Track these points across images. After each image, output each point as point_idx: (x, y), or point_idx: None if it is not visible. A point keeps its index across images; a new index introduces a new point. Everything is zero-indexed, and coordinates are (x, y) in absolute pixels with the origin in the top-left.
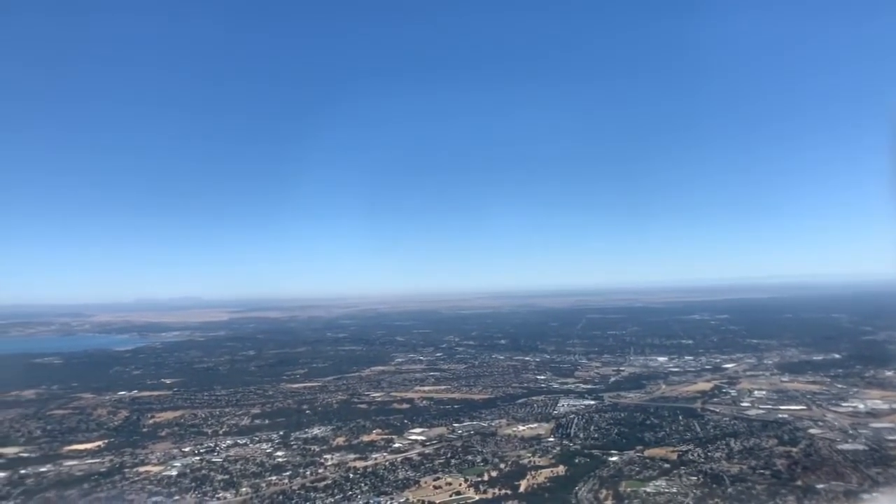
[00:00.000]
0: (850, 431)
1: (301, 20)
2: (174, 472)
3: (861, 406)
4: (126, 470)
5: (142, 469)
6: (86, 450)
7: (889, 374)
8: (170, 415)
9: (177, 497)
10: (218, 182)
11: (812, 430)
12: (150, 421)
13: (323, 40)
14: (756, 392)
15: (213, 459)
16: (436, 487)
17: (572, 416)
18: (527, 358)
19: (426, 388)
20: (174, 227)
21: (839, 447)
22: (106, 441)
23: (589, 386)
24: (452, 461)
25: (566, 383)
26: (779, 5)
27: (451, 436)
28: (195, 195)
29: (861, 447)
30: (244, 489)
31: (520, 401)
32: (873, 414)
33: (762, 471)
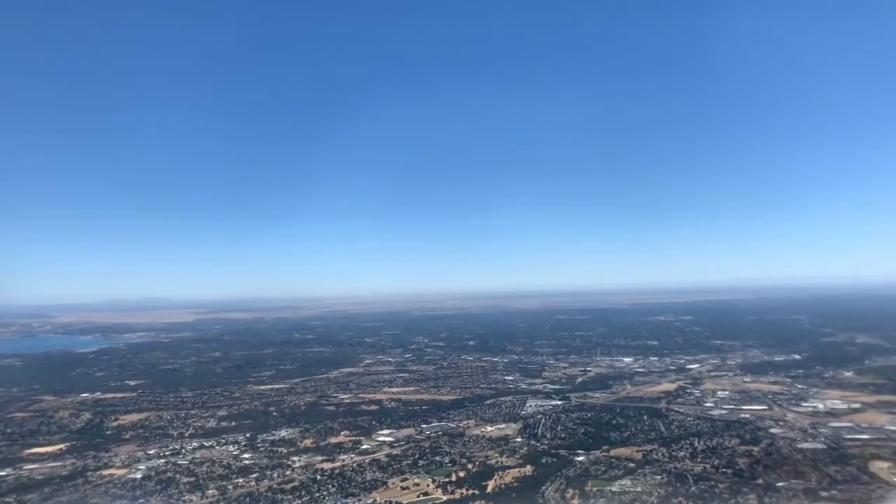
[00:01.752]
0: (810, 431)
1: (311, 26)
2: (139, 475)
3: (821, 406)
4: (89, 473)
5: (105, 472)
6: (47, 453)
7: (848, 374)
8: (134, 417)
9: (142, 500)
10: (185, 183)
11: (773, 430)
12: (115, 423)
13: (332, 44)
14: (719, 392)
15: (179, 462)
16: (403, 488)
17: (540, 416)
18: (495, 359)
19: (395, 390)
20: (140, 227)
21: (799, 446)
22: (68, 444)
23: (556, 386)
24: (420, 462)
25: (534, 384)
26: (783, 6)
27: (419, 437)
28: (162, 196)
29: (820, 446)
30: (211, 491)
31: (488, 401)
32: (832, 413)
33: (725, 469)
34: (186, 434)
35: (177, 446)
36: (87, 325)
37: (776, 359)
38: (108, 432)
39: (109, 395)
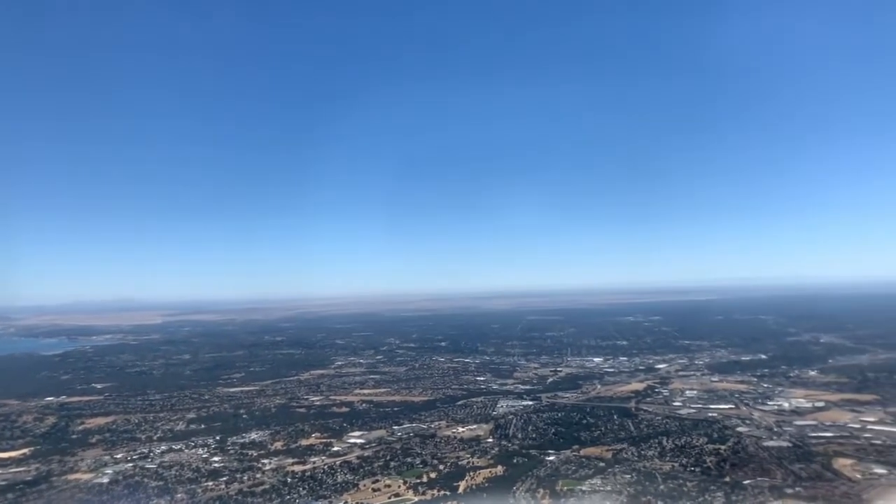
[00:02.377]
0: (776, 429)
1: (312, 26)
2: (106, 480)
3: (786, 405)
4: (54, 478)
5: (71, 477)
6: (10, 458)
7: (812, 373)
8: (101, 420)
9: None
10: (153, 183)
11: (740, 429)
12: (80, 427)
13: (332, 45)
14: (687, 392)
15: (147, 465)
16: (374, 490)
17: (511, 416)
18: (467, 360)
19: (366, 391)
20: (105, 227)
21: (765, 444)
22: (32, 448)
23: (527, 387)
24: (392, 463)
25: (505, 384)
26: (785, 8)
27: (390, 438)
28: (127, 196)
29: (785, 444)
30: (179, 495)
31: (459, 402)
32: (797, 412)
33: (693, 468)
34: (154, 437)
35: (145, 450)
36: (51, 328)
37: (743, 358)
38: (74, 436)
39: (75, 399)
